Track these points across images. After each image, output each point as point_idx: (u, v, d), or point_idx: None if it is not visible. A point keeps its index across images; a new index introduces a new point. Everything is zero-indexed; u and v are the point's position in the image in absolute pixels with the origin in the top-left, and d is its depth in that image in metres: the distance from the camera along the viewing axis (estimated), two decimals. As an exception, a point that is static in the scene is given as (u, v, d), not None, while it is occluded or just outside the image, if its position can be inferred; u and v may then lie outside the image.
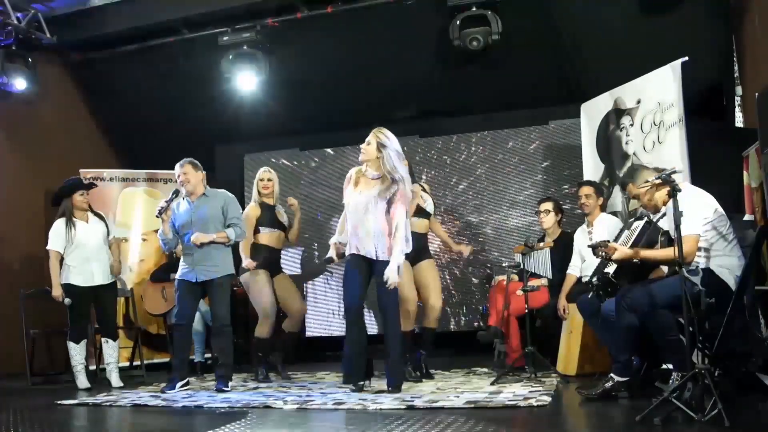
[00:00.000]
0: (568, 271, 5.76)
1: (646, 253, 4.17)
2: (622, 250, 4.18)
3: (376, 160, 4.93)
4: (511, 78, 7.47)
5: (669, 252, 3.99)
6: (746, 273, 3.87)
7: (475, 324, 7.69)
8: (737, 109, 7.12)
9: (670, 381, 4.01)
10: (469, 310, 7.85)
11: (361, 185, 5.00)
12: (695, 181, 5.54)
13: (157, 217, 5.63)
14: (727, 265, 3.97)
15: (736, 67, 7.03)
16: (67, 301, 6.02)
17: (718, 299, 3.86)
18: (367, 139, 4.99)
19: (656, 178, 4.03)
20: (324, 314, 8.15)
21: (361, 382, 5.01)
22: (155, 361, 7.34)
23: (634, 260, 4.23)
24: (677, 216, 3.62)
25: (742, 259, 4.02)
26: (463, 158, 8.02)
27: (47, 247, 6.09)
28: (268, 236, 6.10)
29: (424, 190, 5.89)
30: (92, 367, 6.62)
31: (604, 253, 4.22)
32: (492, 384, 5.13)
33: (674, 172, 4.16)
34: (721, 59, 6.98)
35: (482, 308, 7.63)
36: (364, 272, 5.00)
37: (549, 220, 6.06)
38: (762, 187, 5.58)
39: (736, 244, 4.07)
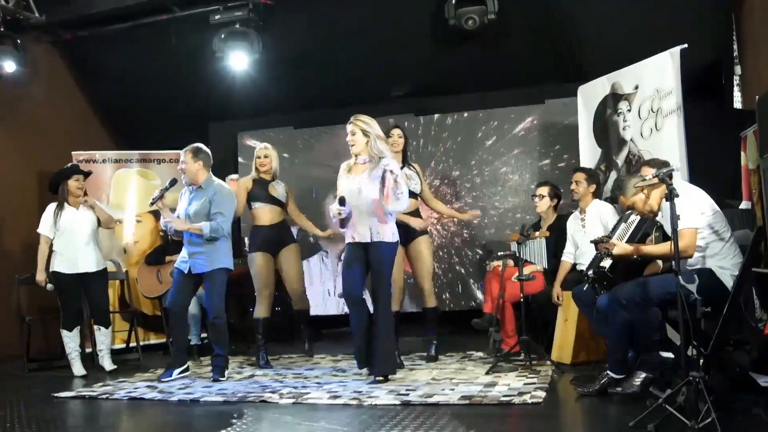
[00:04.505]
0: (562, 258, 5.74)
1: (646, 249, 4.16)
2: (621, 246, 4.16)
3: (365, 147, 5.05)
4: (507, 56, 7.39)
5: (668, 247, 3.98)
6: (743, 274, 3.84)
7: (473, 303, 7.71)
8: (736, 89, 7.05)
9: (634, 379, 4.10)
10: (464, 289, 7.86)
11: (353, 171, 5.14)
12: (693, 163, 5.50)
13: (150, 205, 5.62)
14: (728, 265, 3.96)
15: (735, 46, 6.95)
16: (49, 287, 6.05)
17: (714, 300, 3.86)
18: (350, 130, 5.07)
19: (654, 176, 3.99)
20: (319, 293, 8.16)
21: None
22: (151, 342, 7.38)
23: (634, 256, 4.21)
24: (674, 219, 3.59)
25: (741, 257, 4.00)
26: (459, 136, 7.95)
27: (38, 230, 6.11)
28: (260, 211, 6.16)
29: (413, 168, 5.99)
30: (88, 350, 6.64)
31: (605, 249, 4.19)
32: (487, 373, 5.15)
33: (671, 170, 4.14)
34: (720, 38, 6.89)
35: (479, 286, 7.68)
36: (361, 260, 5.07)
37: (543, 205, 6.03)
38: (759, 171, 5.56)
39: (733, 242, 4.04)
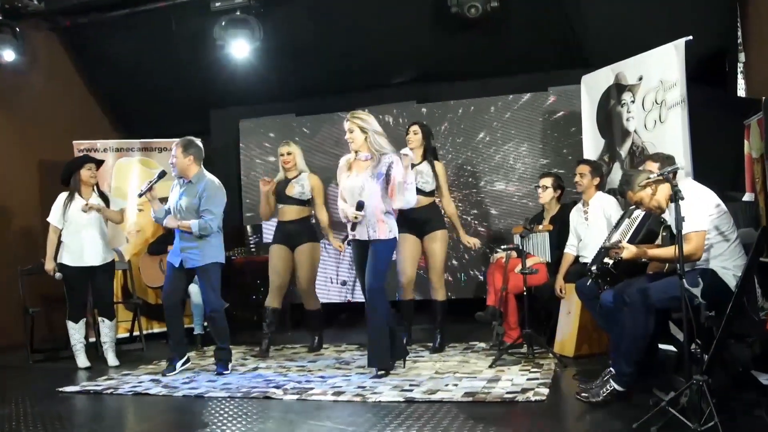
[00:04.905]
0: (565, 251, 5.73)
1: (654, 252, 4.11)
2: (631, 250, 4.10)
3: (364, 143, 5.08)
4: (509, 44, 7.33)
5: (676, 250, 3.95)
6: (746, 274, 3.83)
7: (482, 295, 7.69)
8: (739, 76, 7.00)
9: (602, 389, 4.08)
10: (467, 278, 7.86)
11: (354, 169, 5.16)
12: (695, 151, 5.46)
13: (138, 197, 5.63)
14: (731, 266, 3.94)
15: (739, 33, 6.89)
16: (58, 275, 6.05)
17: (717, 300, 3.86)
18: (347, 128, 5.09)
19: (659, 175, 3.98)
20: (322, 281, 8.15)
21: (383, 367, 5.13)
22: (154, 330, 7.38)
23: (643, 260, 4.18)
24: (679, 221, 3.58)
25: (744, 258, 3.98)
26: (462, 123, 7.91)
27: (47, 219, 6.10)
28: (281, 210, 6.27)
29: (431, 164, 6.03)
30: (92, 339, 6.63)
31: (615, 254, 4.15)
32: (490, 366, 5.18)
33: (676, 168, 4.12)
34: (724, 25, 6.83)
35: (482, 274, 7.68)
36: (363, 257, 5.14)
37: (546, 196, 6.00)
38: (762, 160, 5.54)
39: (738, 243, 4.02)
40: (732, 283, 3.91)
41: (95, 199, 6.17)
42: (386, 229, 5.04)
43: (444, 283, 6.13)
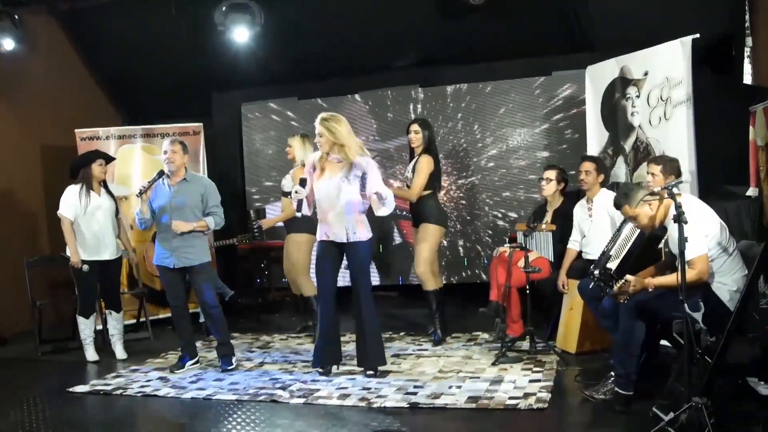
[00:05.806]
0: (568, 246, 5.74)
1: (660, 281, 4.03)
2: (637, 282, 4.02)
3: (333, 146, 5.02)
4: (514, 27, 7.29)
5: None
6: (749, 289, 3.86)
7: (479, 280, 7.77)
8: (746, 61, 6.94)
9: (606, 379, 4.17)
10: (470, 264, 7.91)
11: (327, 171, 5.10)
12: (699, 140, 5.45)
13: (137, 196, 5.61)
14: (727, 281, 3.95)
15: (747, 17, 6.81)
16: (85, 267, 6.02)
17: (710, 315, 3.91)
18: (317, 131, 5.04)
19: (662, 189, 3.97)
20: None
21: (330, 367, 5.28)
22: (160, 316, 7.44)
23: (649, 289, 4.15)
24: (682, 242, 3.58)
25: (744, 270, 4.00)
26: (465, 108, 7.87)
27: (59, 213, 6.05)
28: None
29: None
30: (99, 327, 6.67)
31: (623, 299, 4.14)
32: (493, 364, 5.25)
33: (680, 182, 4.11)
34: (731, 8, 6.75)
35: (485, 259, 7.74)
36: (335, 258, 5.18)
37: (549, 189, 5.98)
38: (767, 149, 5.53)
39: (737, 255, 4.03)
40: (726, 298, 3.93)
41: (107, 200, 6.18)
42: (365, 229, 5.09)
43: (432, 274, 6.03)
